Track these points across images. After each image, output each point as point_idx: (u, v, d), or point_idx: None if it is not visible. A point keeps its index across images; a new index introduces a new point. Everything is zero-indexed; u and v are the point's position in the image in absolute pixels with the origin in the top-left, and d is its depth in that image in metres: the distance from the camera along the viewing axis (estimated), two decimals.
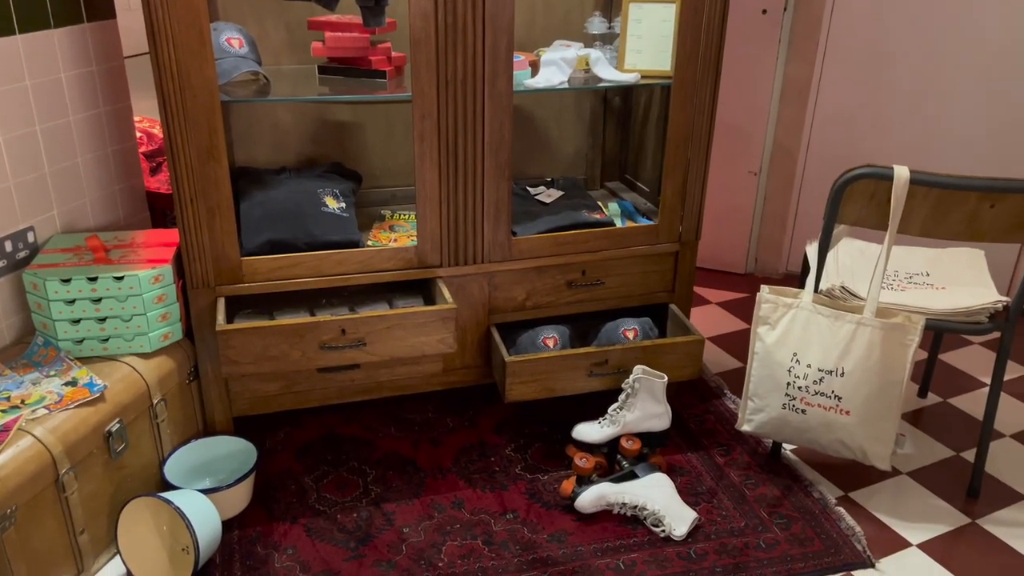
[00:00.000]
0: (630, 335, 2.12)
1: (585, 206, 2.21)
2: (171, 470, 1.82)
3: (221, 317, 1.78)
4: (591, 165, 2.50)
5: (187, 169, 1.73)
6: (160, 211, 2.31)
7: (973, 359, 2.61)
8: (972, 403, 2.34)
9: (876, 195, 1.74)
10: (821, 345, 1.83)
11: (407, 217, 2.22)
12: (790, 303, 1.87)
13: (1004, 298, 1.85)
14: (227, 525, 1.80)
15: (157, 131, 2.54)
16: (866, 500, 1.95)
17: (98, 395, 1.64)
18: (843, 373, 1.81)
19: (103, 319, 1.75)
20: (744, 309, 2.89)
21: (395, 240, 2.09)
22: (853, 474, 2.02)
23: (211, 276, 1.83)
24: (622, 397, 1.98)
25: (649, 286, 2.18)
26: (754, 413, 1.96)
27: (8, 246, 1.81)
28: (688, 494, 1.94)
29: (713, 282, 3.10)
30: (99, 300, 1.74)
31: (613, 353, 1.98)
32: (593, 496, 1.84)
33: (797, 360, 1.86)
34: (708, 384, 2.41)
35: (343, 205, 2.00)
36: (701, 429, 2.19)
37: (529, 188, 2.33)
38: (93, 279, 1.72)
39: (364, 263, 1.91)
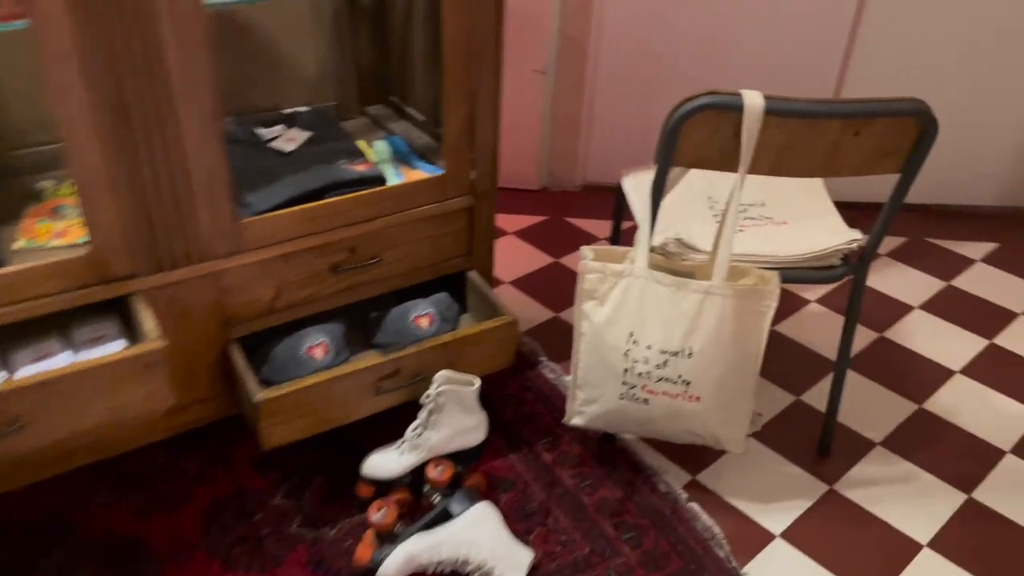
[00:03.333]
0: (424, 323, 1.63)
1: (342, 153, 1.63)
2: None
3: None
4: (344, 87, 1.89)
5: None
6: None
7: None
8: (803, 332, 2.13)
9: (720, 129, 1.33)
10: (663, 321, 1.45)
11: None
12: (620, 271, 1.46)
13: (859, 235, 1.56)
14: None
15: None
16: (716, 481, 1.67)
17: None
18: (691, 353, 1.45)
19: None
20: (546, 237, 2.49)
21: (62, 234, 1.41)
22: (697, 450, 1.73)
23: None
24: (423, 415, 1.51)
25: (440, 253, 1.68)
26: (586, 404, 1.58)
27: None
28: (517, 519, 1.55)
29: (505, 204, 2.65)
30: None
31: (405, 359, 1.49)
32: (400, 560, 1.38)
33: (635, 341, 1.47)
34: (519, 349, 2.00)
35: None
36: (519, 416, 1.79)
37: (260, 131, 1.70)
38: None
39: (5, 293, 1.23)
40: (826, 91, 2.49)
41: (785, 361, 2.00)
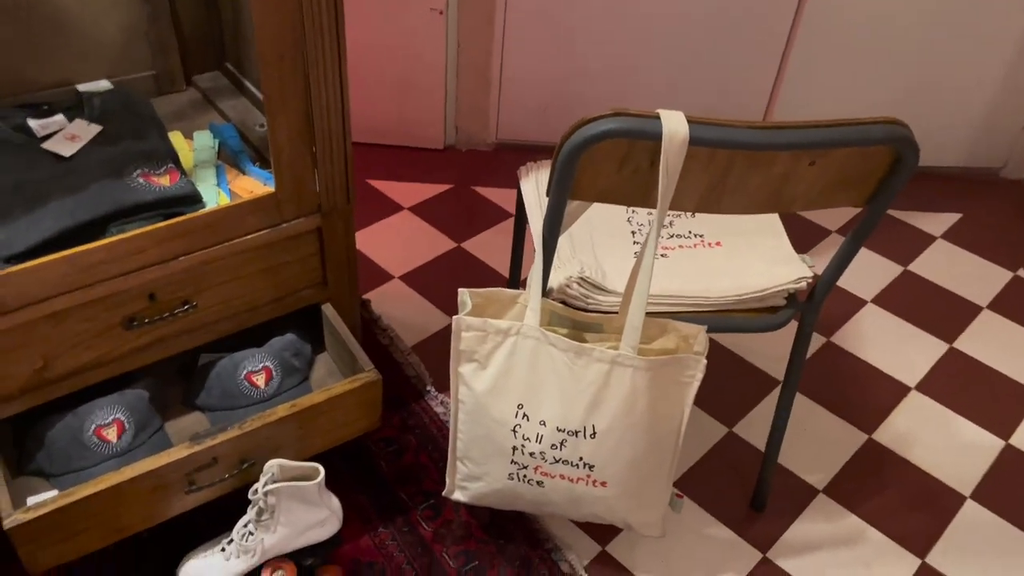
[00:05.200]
0: (259, 381, 1.27)
1: (140, 157, 1.21)
2: None
3: None
4: (162, 53, 1.44)
5: None
6: None
7: None
8: (741, 341, 1.83)
9: (631, 159, 0.97)
10: (559, 393, 1.12)
11: None
12: (505, 328, 1.12)
13: (809, 271, 1.24)
14: None
15: None
16: (629, 553, 1.39)
17: None
18: (594, 433, 1.13)
19: None
20: (449, 214, 2.11)
21: None
22: None
23: None
24: (251, 513, 1.17)
25: (282, 287, 1.30)
26: (469, 480, 1.26)
27: None
28: None
29: (402, 168, 2.25)
30: None
31: (223, 446, 1.13)
32: None
33: (525, 415, 1.15)
34: (401, 370, 1.66)
35: None
36: (396, 471, 1.46)
37: (34, 123, 1.27)
38: None
39: None
40: (766, 58, 2.11)
41: (717, 378, 1.70)
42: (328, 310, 1.35)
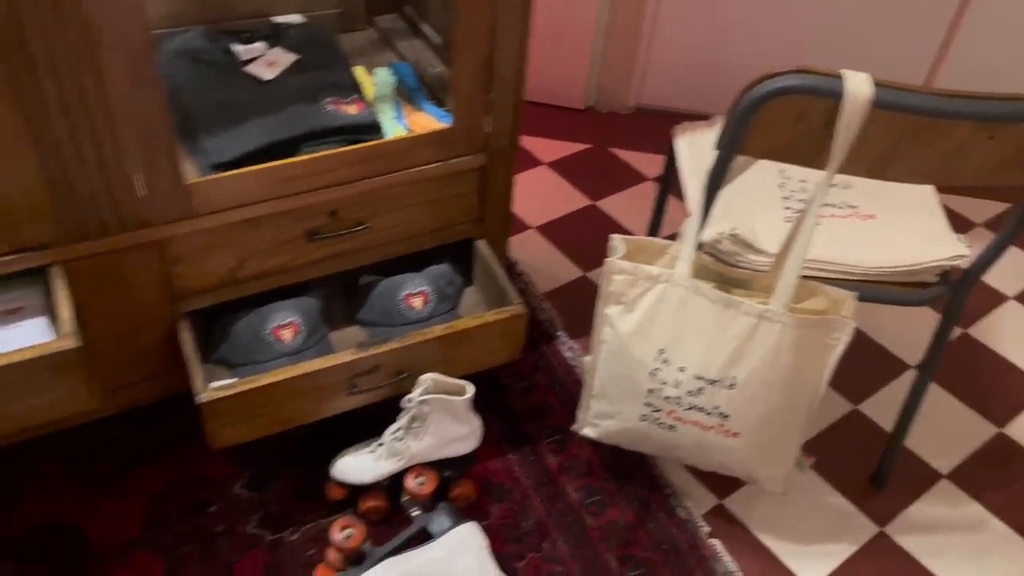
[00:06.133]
0: (416, 303, 1.37)
1: (331, 87, 1.32)
2: None
3: None
4: None
5: None
6: None
7: None
8: (873, 320, 1.82)
9: (806, 117, 1.00)
10: (703, 342, 1.16)
11: None
12: (656, 274, 1.17)
13: (966, 250, 1.23)
14: None
15: None
16: (746, 510, 1.43)
17: None
18: (733, 384, 1.17)
19: None
20: (586, 172, 2.16)
21: None
22: None
23: None
24: (403, 420, 1.27)
25: (443, 219, 1.39)
26: (600, 418, 1.33)
27: None
28: (508, 540, 1.34)
29: (542, 125, 2.31)
30: None
31: (385, 356, 1.24)
32: None
33: (665, 360, 1.20)
34: (534, 314, 1.73)
35: None
36: (526, 405, 1.55)
37: (237, 47, 1.39)
38: None
39: None
40: (927, 48, 2.05)
41: (846, 355, 1.70)
42: (482, 246, 1.43)
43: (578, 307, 1.77)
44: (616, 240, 1.21)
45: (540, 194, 2.07)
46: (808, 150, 1.04)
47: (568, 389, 1.58)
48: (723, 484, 1.45)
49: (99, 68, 0.97)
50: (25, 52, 0.93)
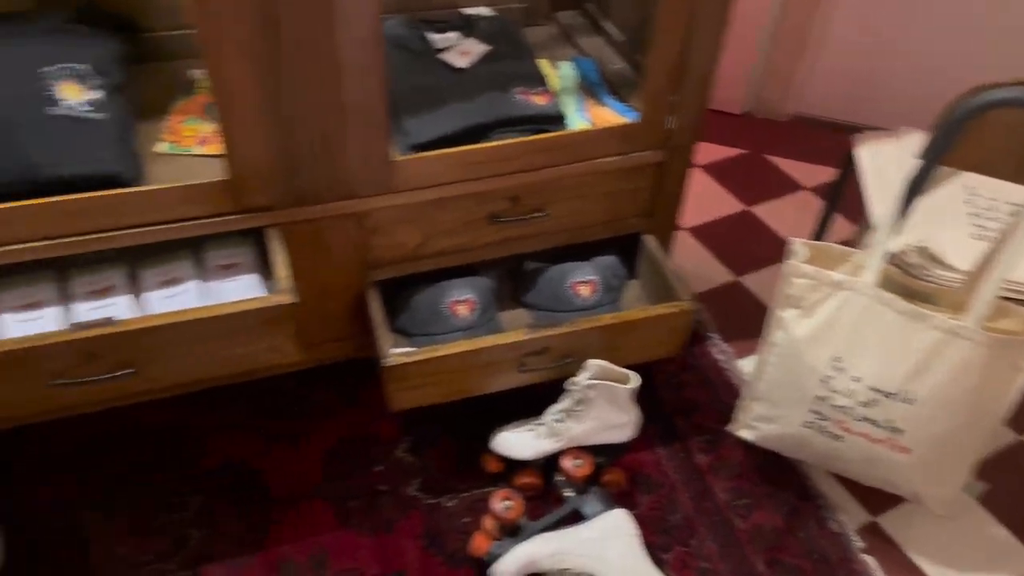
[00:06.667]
0: (584, 291, 1.41)
1: (519, 78, 1.37)
2: None
3: None
4: None
5: None
6: None
7: None
8: None
9: (1018, 131, 0.97)
10: (882, 354, 1.15)
11: None
12: (839, 281, 1.16)
13: None
14: None
15: None
16: (902, 529, 1.39)
17: None
18: (912, 399, 1.15)
19: None
20: (741, 177, 2.15)
21: (206, 141, 1.27)
22: None
23: None
24: (566, 402, 1.32)
25: (615, 211, 1.42)
26: (760, 421, 1.33)
27: None
28: (656, 531, 1.36)
29: None
30: None
31: (555, 339, 1.28)
32: (520, 562, 1.24)
33: (840, 368, 1.19)
34: None
35: (95, 96, 1.14)
36: (677, 402, 1.56)
37: (432, 36, 1.46)
38: None
39: (137, 213, 1.12)
40: None
41: None
42: (650, 240, 1.46)
43: (730, 311, 1.76)
44: (797, 244, 1.21)
45: (694, 196, 2.08)
46: (1017, 165, 1.01)
47: (718, 390, 1.58)
48: (877, 501, 1.42)
49: (334, 48, 1.05)
50: (276, 31, 1.02)
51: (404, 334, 1.37)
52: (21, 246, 1.07)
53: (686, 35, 1.22)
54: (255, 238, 1.26)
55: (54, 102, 1.10)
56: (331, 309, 1.34)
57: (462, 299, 1.35)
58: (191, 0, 0.96)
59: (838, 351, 1.18)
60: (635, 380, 1.29)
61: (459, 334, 1.34)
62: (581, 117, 1.39)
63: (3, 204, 1.04)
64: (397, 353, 1.24)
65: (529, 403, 1.42)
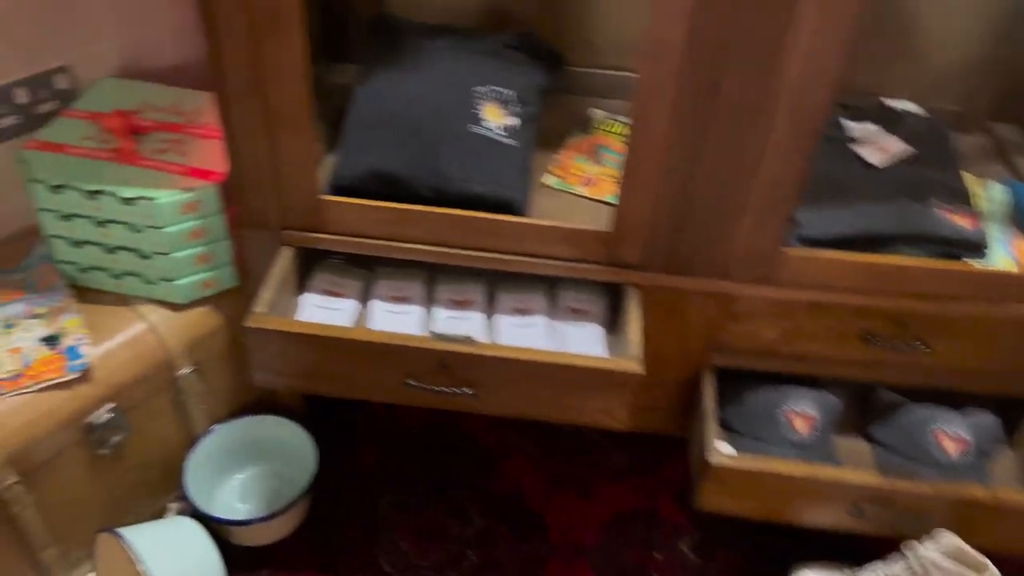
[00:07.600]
0: (949, 446, 1.21)
1: (940, 188, 1.21)
2: (197, 464, 1.29)
3: (269, 291, 1.12)
4: (972, 90, 1.41)
5: (231, 32, 0.99)
6: None
7: None
8: None
9: None
10: None
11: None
12: None
13: None
14: (260, 555, 1.29)
15: None
16: None
17: (76, 375, 1.10)
18: None
19: (113, 249, 1.17)
20: None
21: (592, 183, 1.26)
22: None
23: (272, 215, 1.15)
24: (897, 567, 1.13)
25: (1011, 364, 1.20)
26: None
27: (22, 95, 1.24)
28: None
29: None
30: (105, 223, 1.14)
31: (910, 496, 1.10)
32: None
33: None
34: None
35: (511, 122, 1.17)
36: None
37: (847, 123, 1.34)
38: (95, 193, 1.11)
39: (516, 240, 1.13)
40: None
41: None
42: None
43: None
44: None
45: None
46: None
47: None
48: None
49: (770, 124, 0.98)
50: (714, 96, 0.97)
51: (727, 427, 1.27)
52: (418, 246, 1.13)
53: None
54: (608, 289, 1.23)
55: (477, 121, 1.14)
56: (663, 379, 1.27)
57: (802, 411, 1.22)
58: (646, 53, 0.94)
59: None
60: (993, 572, 1.07)
61: (791, 450, 1.21)
62: (1005, 251, 1.19)
63: (411, 207, 1.10)
64: (725, 453, 1.14)
65: (841, 541, 1.25)
